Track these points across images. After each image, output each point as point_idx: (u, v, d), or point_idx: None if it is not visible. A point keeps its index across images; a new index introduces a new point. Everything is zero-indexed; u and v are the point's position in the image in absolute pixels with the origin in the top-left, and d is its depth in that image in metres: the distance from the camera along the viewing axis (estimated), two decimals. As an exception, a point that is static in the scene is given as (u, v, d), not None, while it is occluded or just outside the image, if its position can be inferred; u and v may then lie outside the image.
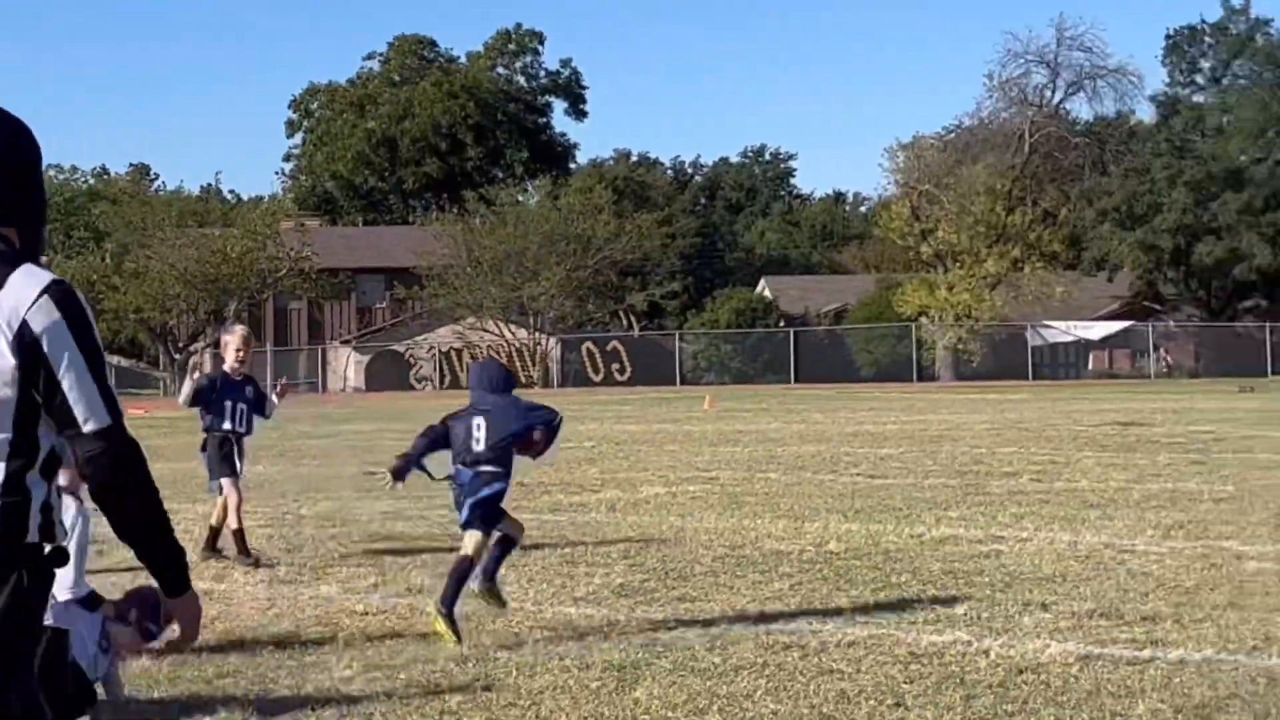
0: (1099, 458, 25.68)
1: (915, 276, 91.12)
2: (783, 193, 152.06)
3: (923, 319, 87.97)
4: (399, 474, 11.53)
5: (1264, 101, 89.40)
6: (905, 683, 9.68)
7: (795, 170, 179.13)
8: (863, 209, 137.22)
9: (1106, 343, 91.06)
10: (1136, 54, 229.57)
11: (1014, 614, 11.78)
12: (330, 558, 15.50)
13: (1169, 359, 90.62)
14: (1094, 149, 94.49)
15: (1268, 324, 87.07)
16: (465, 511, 11.42)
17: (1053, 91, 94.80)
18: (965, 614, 11.82)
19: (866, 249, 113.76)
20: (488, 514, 11.46)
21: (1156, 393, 58.32)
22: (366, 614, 12.27)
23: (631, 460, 26.94)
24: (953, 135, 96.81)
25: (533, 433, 11.52)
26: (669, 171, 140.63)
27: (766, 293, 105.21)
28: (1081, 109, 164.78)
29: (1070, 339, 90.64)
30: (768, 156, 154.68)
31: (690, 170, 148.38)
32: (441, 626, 11.02)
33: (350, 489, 22.44)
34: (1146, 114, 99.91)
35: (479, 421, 11.48)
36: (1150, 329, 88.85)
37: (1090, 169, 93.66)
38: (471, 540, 11.41)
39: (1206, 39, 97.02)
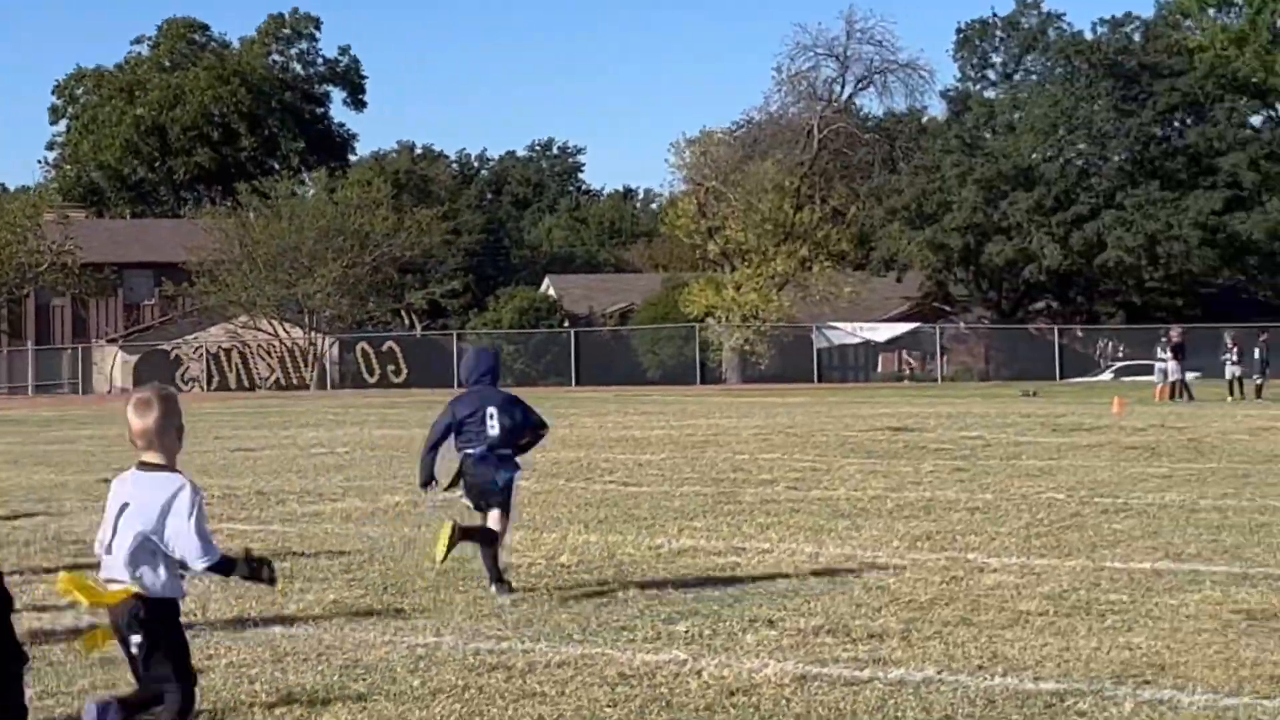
0: (862, 464, 25.74)
1: (702, 276, 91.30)
2: (570, 188, 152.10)
3: (709, 319, 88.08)
4: (425, 485, 13.89)
5: (1055, 98, 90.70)
6: (608, 706, 9.53)
7: (584, 165, 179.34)
8: (653, 206, 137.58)
9: (895, 344, 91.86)
10: (928, 48, 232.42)
11: (737, 631, 11.67)
12: (32, 573, 14.99)
13: (910, 364, 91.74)
14: (884, 145, 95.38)
15: (1056, 326, 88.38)
16: (489, 494, 13.58)
17: (842, 86, 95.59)
18: (687, 631, 11.68)
19: (655, 247, 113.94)
20: (507, 496, 13.61)
21: (939, 396, 58.89)
22: (53, 634, 11.88)
23: (381, 467, 26.60)
24: (742, 130, 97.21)
25: (523, 433, 13.78)
26: (454, 165, 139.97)
27: (551, 292, 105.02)
28: (872, 104, 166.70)
29: (856, 340, 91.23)
30: (555, 151, 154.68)
31: (476, 164, 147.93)
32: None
33: (77, 498, 21.89)
34: (938, 110, 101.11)
35: (492, 411, 13.57)
36: (937, 331, 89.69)
37: (880, 166, 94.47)
38: (495, 518, 13.57)
39: (998, 33, 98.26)
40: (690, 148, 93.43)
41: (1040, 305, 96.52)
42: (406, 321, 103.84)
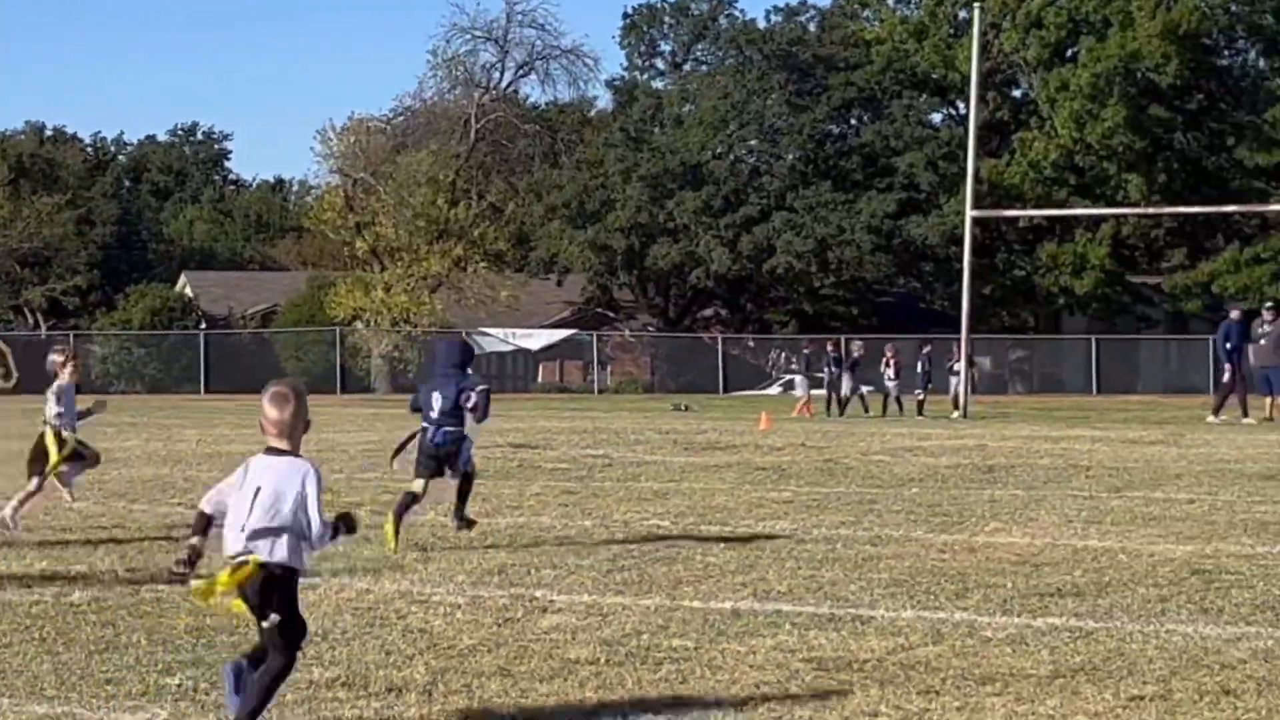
0: (465, 486, 25.09)
1: (350, 275, 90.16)
2: (215, 177, 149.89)
3: (357, 323, 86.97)
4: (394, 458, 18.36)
5: (726, 90, 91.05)
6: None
7: (230, 153, 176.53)
8: (308, 199, 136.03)
9: (553, 352, 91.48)
10: (593, 33, 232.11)
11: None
12: None
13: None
14: (545, 138, 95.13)
15: (721, 335, 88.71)
16: (440, 462, 17.62)
17: (502, 72, 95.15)
18: (180, 685, 10.89)
19: (304, 244, 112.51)
20: (456, 462, 17.67)
21: (587, 409, 58.65)
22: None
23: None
24: (397, 119, 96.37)
25: (463, 396, 17.32)
26: (88, 149, 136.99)
27: (187, 290, 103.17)
28: (535, 92, 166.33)
29: (509, 348, 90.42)
30: (200, 136, 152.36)
31: (113, 149, 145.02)
32: (389, 529, 17.33)
33: None
34: (606, 100, 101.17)
35: (436, 395, 17.36)
36: (595, 338, 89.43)
37: (541, 160, 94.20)
38: (452, 483, 17.93)
39: (667, 19, 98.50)
40: (340, 136, 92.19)
41: (709, 312, 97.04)
42: (30, 320, 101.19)
